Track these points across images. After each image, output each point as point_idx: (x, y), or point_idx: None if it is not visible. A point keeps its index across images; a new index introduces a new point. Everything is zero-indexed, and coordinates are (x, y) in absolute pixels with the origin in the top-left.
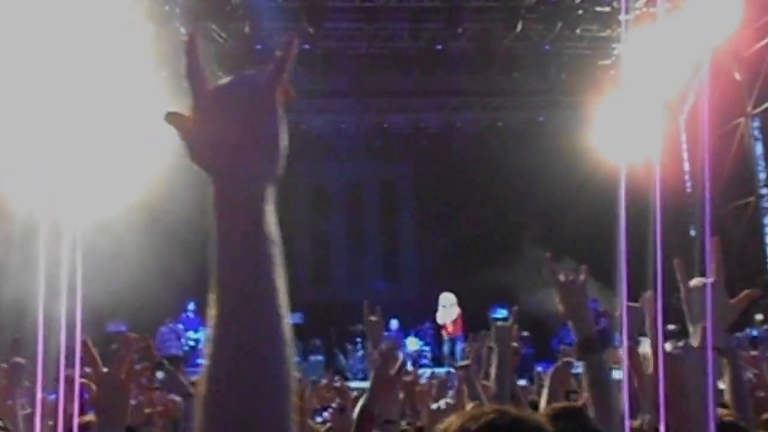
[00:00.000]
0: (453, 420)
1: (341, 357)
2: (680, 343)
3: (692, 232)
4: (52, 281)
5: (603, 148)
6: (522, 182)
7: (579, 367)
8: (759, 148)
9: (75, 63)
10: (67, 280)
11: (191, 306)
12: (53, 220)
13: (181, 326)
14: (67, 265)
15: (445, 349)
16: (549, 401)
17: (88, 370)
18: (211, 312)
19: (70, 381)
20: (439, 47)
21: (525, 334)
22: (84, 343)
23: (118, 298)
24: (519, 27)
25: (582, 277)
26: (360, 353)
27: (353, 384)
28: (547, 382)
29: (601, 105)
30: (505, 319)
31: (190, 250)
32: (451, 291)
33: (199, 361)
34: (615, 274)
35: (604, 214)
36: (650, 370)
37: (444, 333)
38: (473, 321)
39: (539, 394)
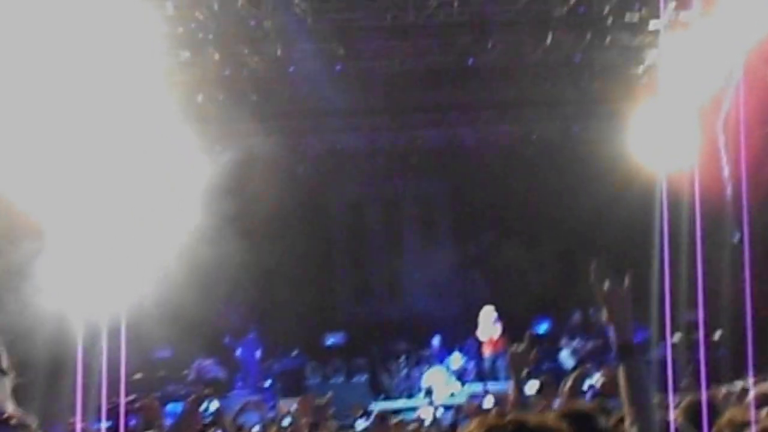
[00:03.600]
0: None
1: (385, 376)
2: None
3: (736, 238)
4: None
5: (639, 157)
6: (559, 193)
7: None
8: None
9: (110, 93)
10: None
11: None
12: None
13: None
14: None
15: (486, 365)
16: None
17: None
18: None
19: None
20: (470, 61)
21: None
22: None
23: (165, 325)
24: (549, 39)
25: (626, 284)
26: (404, 372)
27: (399, 403)
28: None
29: (635, 113)
30: (546, 334)
31: (230, 285)
32: (493, 304)
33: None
34: (652, 281)
35: (642, 222)
36: None
37: (485, 349)
38: (516, 335)
39: None
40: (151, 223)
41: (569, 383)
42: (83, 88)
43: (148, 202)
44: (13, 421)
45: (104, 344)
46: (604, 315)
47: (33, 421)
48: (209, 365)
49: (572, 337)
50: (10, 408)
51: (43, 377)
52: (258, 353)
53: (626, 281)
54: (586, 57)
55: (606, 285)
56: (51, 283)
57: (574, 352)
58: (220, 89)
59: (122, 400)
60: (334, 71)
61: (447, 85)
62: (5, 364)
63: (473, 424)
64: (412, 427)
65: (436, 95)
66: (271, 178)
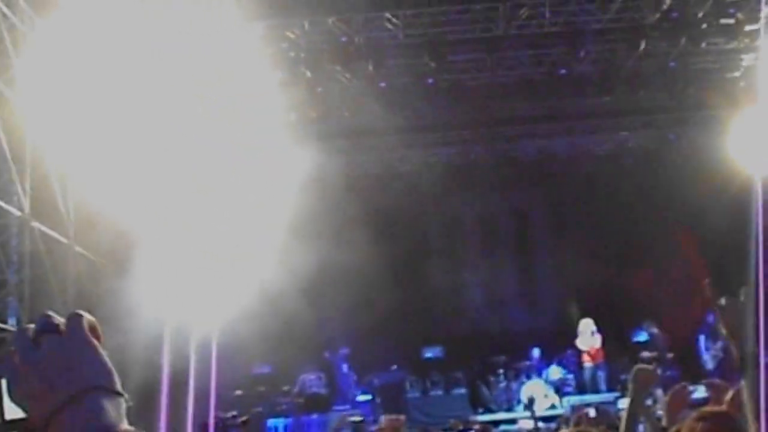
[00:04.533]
0: None
1: (484, 389)
2: None
3: None
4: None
5: (737, 163)
6: (656, 201)
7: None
8: None
9: (208, 119)
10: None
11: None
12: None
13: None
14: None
15: (586, 376)
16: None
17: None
18: None
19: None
20: (563, 71)
21: (670, 355)
22: None
23: (264, 341)
24: (642, 45)
25: (742, 298)
26: (503, 384)
27: (499, 416)
28: (663, 406)
29: (733, 118)
30: (646, 343)
31: (328, 300)
32: (591, 316)
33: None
34: (749, 286)
35: (740, 227)
36: None
37: (585, 360)
38: (615, 345)
39: None
40: (246, 241)
41: (673, 395)
42: (181, 108)
43: (244, 216)
44: None
45: (193, 362)
46: (722, 329)
47: None
48: (312, 380)
49: (714, 341)
50: (125, 425)
51: (138, 399)
52: (351, 368)
53: (742, 297)
54: (681, 63)
55: (723, 300)
56: (148, 301)
57: (714, 356)
58: (312, 107)
59: (211, 413)
60: (426, 85)
61: (540, 96)
62: (118, 387)
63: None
64: None
65: (529, 106)
66: (368, 195)
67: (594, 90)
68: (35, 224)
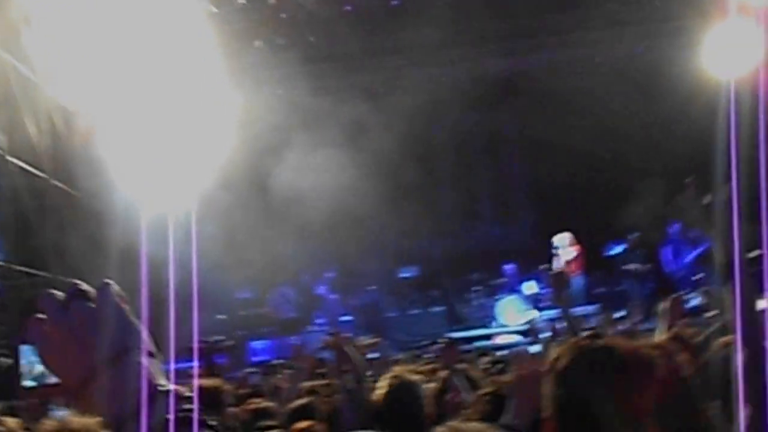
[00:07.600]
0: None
1: (460, 306)
2: None
3: None
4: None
5: (707, 73)
6: (626, 114)
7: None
8: None
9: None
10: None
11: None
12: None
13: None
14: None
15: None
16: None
17: None
18: None
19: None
20: None
21: (647, 266)
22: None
23: (244, 266)
24: None
25: (724, 197)
26: (479, 301)
27: (475, 332)
28: (660, 317)
29: (701, 28)
30: (621, 255)
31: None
32: (567, 230)
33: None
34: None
35: (709, 137)
36: None
37: None
38: (590, 259)
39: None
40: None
41: (670, 305)
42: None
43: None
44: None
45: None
46: (706, 231)
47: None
48: (281, 301)
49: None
50: (166, 383)
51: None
52: (336, 290)
53: (723, 196)
54: None
55: (705, 199)
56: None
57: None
58: (277, 33)
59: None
60: (390, 8)
61: (504, 13)
62: (152, 347)
63: (564, 346)
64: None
65: (494, 25)
66: (338, 117)
67: (559, 5)
68: (12, 159)
